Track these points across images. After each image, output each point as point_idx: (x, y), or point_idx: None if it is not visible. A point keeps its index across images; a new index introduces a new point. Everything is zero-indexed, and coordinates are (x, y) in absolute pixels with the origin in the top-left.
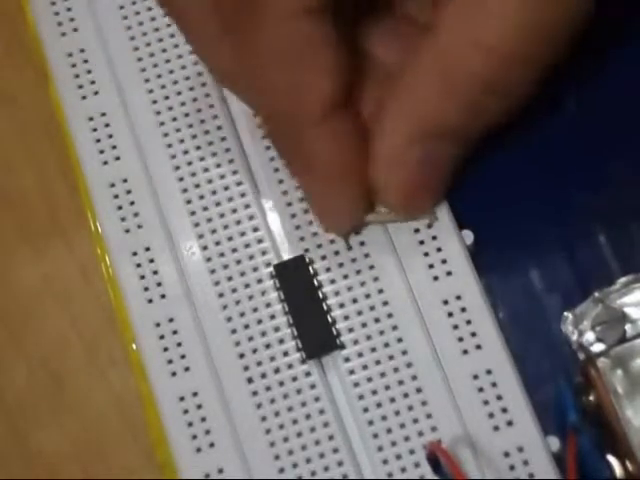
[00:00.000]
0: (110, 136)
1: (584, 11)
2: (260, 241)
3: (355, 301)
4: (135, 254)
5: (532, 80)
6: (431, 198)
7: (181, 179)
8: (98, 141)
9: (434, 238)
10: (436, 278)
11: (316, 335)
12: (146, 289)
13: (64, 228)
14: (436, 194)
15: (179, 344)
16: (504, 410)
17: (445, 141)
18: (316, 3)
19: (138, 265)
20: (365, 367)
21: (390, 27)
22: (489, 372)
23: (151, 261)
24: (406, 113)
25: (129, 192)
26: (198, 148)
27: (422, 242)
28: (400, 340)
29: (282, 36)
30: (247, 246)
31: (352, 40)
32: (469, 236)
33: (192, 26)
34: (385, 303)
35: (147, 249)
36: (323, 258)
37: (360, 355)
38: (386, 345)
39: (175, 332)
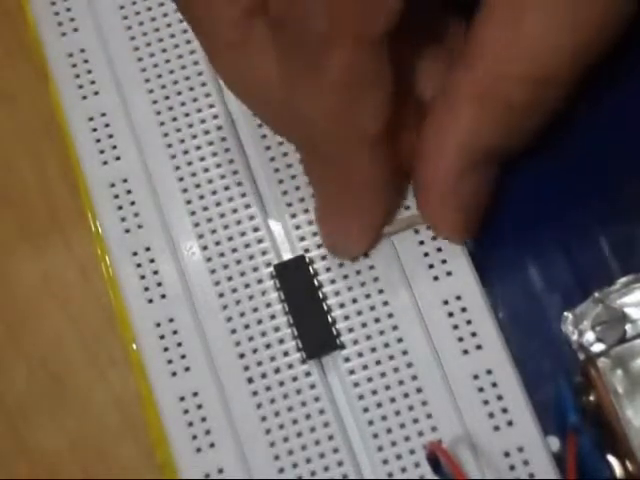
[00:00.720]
0: (110, 136)
1: (621, 25)
2: (260, 241)
3: (355, 301)
4: (135, 254)
5: (567, 96)
6: (477, 221)
7: (181, 179)
8: (98, 141)
9: (434, 238)
10: (436, 278)
11: (316, 335)
12: (146, 289)
13: (64, 228)
14: (480, 216)
15: (179, 344)
16: (504, 410)
17: (492, 165)
18: (379, 35)
19: (138, 265)
20: (365, 367)
21: (430, 60)
22: (489, 372)
23: (151, 261)
24: (451, 145)
25: (129, 192)
26: (198, 148)
27: (422, 242)
28: (400, 340)
29: (346, 65)
30: (247, 246)
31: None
32: None
33: (223, 35)
34: (385, 303)
35: (147, 249)
36: (323, 258)
37: (360, 355)
38: (386, 345)
39: (175, 332)
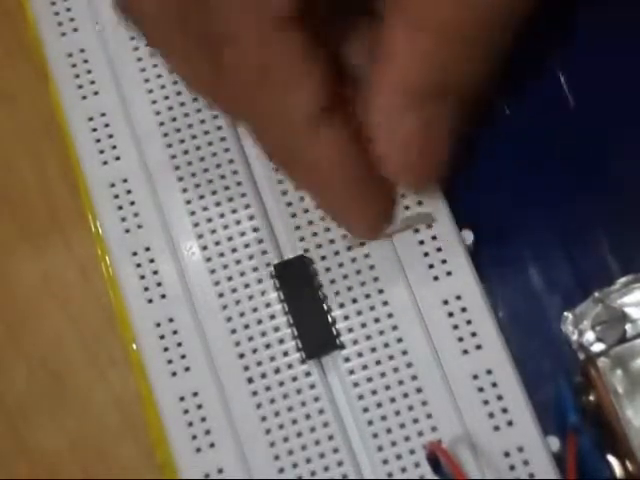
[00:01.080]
0: (110, 136)
1: None
2: (260, 241)
3: (355, 301)
4: (135, 254)
5: (509, 25)
6: (435, 165)
7: (181, 179)
8: (98, 141)
9: (434, 238)
10: (436, 278)
11: (316, 335)
12: (146, 289)
13: (64, 228)
14: (439, 161)
15: (179, 344)
16: (504, 410)
17: (438, 102)
18: (290, 11)
19: (138, 265)
20: (365, 367)
21: (361, 30)
22: (489, 372)
23: (151, 261)
24: (394, 82)
25: (129, 192)
26: (198, 148)
27: (422, 242)
28: (400, 340)
29: (258, 48)
30: (247, 246)
31: (327, 44)
32: (469, 236)
33: (161, 40)
34: (385, 303)
35: (147, 249)
36: (323, 258)
37: (360, 355)
38: (386, 345)
39: (175, 332)
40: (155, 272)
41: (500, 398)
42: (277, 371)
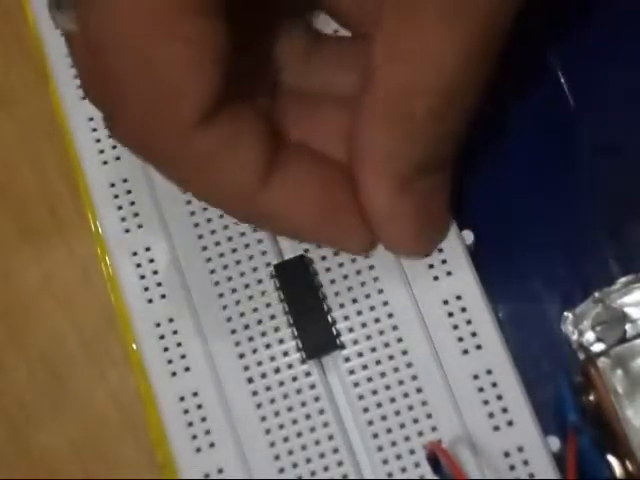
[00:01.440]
0: (110, 136)
1: (508, 20)
2: (260, 241)
3: (355, 301)
4: (135, 254)
5: (481, 88)
6: (441, 227)
7: None
8: (98, 141)
9: None
10: (436, 278)
11: (316, 335)
12: (146, 289)
13: (64, 228)
14: (444, 221)
15: (179, 344)
16: (504, 410)
17: (427, 175)
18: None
19: (138, 265)
20: (365, 367)
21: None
22: (489, 372)
23: (151, 261)
24: (379, 169)
25: (129, 192)
26: None
27: None
28: (400, 340)
29: (180, 155)
30: (247, 246)
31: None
32: (469, 236)
33: None
34: (385, 303)
35: (147, 249)
36: (323, 258)
37: (360, 355)
38: (386, 345)
39: (175, 332)
40: (155, 272)
41: (500, 398)
42: (277, 371)
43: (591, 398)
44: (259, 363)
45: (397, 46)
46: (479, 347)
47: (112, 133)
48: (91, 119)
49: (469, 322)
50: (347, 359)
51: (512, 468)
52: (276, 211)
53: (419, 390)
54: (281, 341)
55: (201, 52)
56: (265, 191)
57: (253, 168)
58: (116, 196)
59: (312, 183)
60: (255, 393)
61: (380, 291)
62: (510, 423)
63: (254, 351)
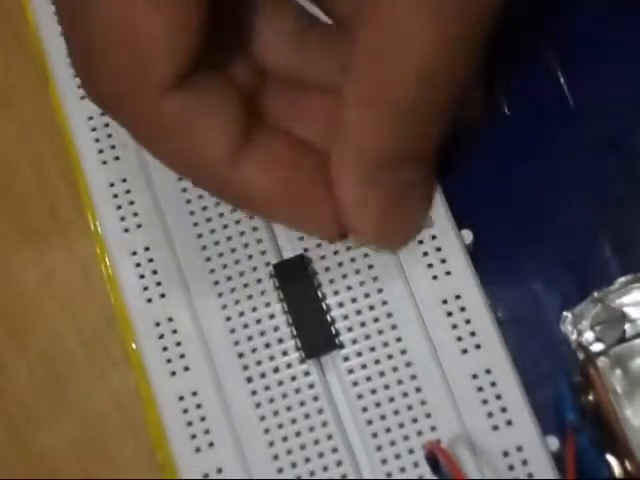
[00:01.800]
0: (110, 136)
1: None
2: (260, 241)
3: (354, 300)
4: (135, 254)
5: (458, 85)
6: (409, 226)
7: (181, 178)
8: (98, 141)
9: (433, 238)
10: (435, 277)
11: (315, 334)
12: (146, 289)
13: (64, 228)
14: (413, 220)
15: (178, 343)
16: (503, 409)
17: (399, 168)
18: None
19: (138, 265)
20: (364, 366)
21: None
22: (488, 371)
23: (150, 260)
24: (354, 158)
25: (129, 192)
26: None
27: (421, 242)
28: (399, 339)
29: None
30: (246, 246)
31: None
32: (469, 236)
33: None
34: (384, 302)
35: (146, 249)
36: (323, 258)
37: (359, 354)
38: (385, 344)
39: (175, 331)
40: (154, 271)
41: (499, 397)
42: (276, 370)
43: (590, 398)
44: (258, 362)
45: (377, 33)
46: (478, 346)
47: (87, 90)
48: (91, 118)
49: (468, 321)
50: (346, 358)
51: (511, 468)
52: (244, 187)
53: (418, 389)
54: (280, 340)
55: (178, 16)
56: (234, 166)
57: (221, 142)
58: (115, 196)
59: (283, 164)
60: (254, 392)
61: (379, 290)
62: (509, 423)
63: (253, 350)
